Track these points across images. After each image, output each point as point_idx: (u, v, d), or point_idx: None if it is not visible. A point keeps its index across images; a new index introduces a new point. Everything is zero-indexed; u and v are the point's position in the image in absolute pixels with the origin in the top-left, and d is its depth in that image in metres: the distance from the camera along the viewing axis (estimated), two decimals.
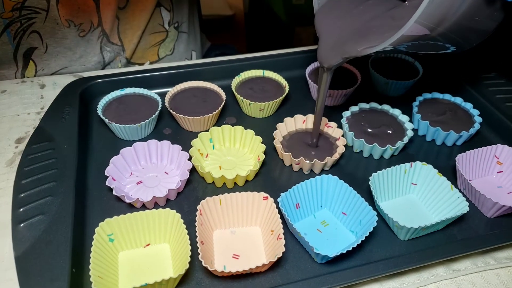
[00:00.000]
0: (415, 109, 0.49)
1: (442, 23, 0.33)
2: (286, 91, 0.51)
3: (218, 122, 0.50)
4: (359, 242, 0.34)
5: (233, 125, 0.46)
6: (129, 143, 0.45)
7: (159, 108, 0.47)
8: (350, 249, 0.34)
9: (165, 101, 0.49)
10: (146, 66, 0.60)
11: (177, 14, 0.63)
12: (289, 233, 0.38)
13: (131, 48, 0.61)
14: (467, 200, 0.40)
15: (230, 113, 0.51)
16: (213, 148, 0.46)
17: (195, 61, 0.60)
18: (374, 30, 0.37)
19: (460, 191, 0.41)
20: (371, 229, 0.35)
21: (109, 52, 0.59)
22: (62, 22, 0.54)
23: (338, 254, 0.34)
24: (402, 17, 0.37)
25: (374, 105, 0.49)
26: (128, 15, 0.58)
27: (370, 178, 0.39)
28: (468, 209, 0.37)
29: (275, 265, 0.35)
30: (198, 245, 0.33)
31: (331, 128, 0.46)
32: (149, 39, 0.62)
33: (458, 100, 0.50)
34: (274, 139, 0.45)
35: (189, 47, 0.69)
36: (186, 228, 0.35)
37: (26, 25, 0.53)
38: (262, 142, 0.44)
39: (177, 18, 0.64)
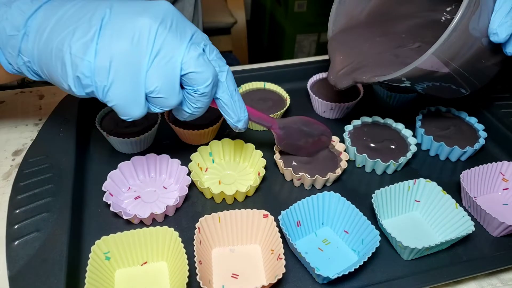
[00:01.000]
0: (418, 123, 0.48)
1: (449, 63, 0.36)
2: (288, 104, 0.50)
3: (218, 135, 0.49)
4: (361, 263, 0.33)
5: (233, 138, 0.45)
6: (128, 156, 0.44)
7: (159, 121, 0.47)
8: (352, 270, 0.33)
9: (165, 113, 0.48)
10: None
11: None
12: (290, 252, 0.37)
13: None
14: (472, 218, 0.39)
15: (230, 126, 0.51)
16: (213, 162, 0.45)
17: None
18: (380, 63, 0.42)
19: (464, 208, 0.40)
20: (374, 250, 0.34)
21: None
22: None
23: (340, 275, 0.33)
24: (406, 56, 0.43)
25: (377, 119, 0.49)
26: None
27: (373, 195, 0.38)
28: (473, 229, 0.36)
29: (275, 286, 0.34)
30: (196, 265, 0.32)
31: (333, 142, 0.45)
32: None
33: (463, 114, 0.50)
34: (275, 154, 0.44)
35: None
36: (185, 246, 0.34)
37: None
38: (262, 157, 0.43)
39: None
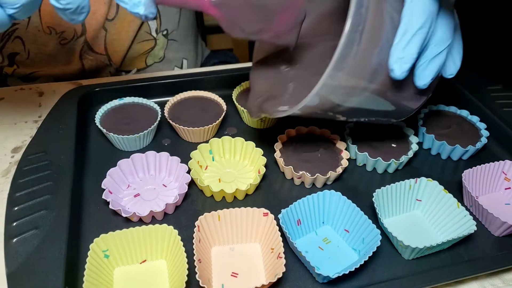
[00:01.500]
0: (420, 122, 0.48)
1: (347, 99, 0.33)
2: None
3: (218, 133, 0.49)
4: (362, 262, 0.33)
5: (233, 136, 0.45)
6: (127, 154, 0.44)
7: (158, 118, 0.46)
8: (353, 269, 0.33)
9: (165, 111, 0.48)
10: (146, 75, 0.59)
11: (166, 21, 0.62)
12: (290, 250, 0.36)
13: (119, 58, 0.59)
14: (474, 218, 0.39)
15: (230, 124, 0.50)
16: (213, 160, 0.45)
17: (195, 70, 0.59)
18: (289, 95, 0.39)
19: (466, 208, 0.40)
20: (375, 249, 0.34)
21: (91, 61, 0.58)
22: (43, 29, 0.52)
23: (340, 274, 0.32)
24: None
25: None
26: (117, 26, 0.56)
27: (374, 194, 0.38)
28: (475, 228, 0.35)
29: (275, 285, 0.34)
30: (195, 263, 0.32)
31: (334, 141, 0.45)
32: (137, 48, 0.61)
33: (464, 113, 0.49)
34: (275, 152, 0.43)
35: (179, 55, 0.67)
36: (184, 245, 0.34)
37: (10, 30, 0.52)
38: (262, 155, 0.43)
39: (166, 26, 0.62)
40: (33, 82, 0.58)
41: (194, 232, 0.35)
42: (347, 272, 0.32)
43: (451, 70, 0.37)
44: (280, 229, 0.35)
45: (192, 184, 0.41)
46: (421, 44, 0.31)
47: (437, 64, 0.33)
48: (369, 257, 0.33)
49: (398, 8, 0.32)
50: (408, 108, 0.38)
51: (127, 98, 0.49)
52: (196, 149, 0.43)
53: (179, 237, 0.34)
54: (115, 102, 0.49)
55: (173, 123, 0.46)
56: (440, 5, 0.32)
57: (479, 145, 0.45)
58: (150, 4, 0.30)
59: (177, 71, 0.64)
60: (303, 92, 0.32)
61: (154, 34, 0.61)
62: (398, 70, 0.31)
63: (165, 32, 0.62)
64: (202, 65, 0.76)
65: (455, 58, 0.37)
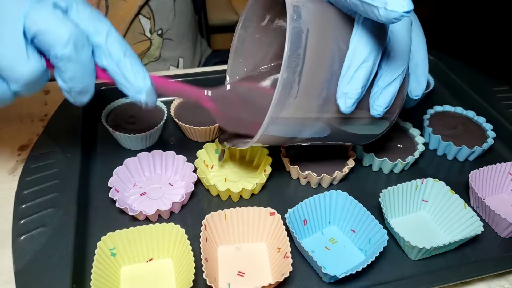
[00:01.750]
0: (426, 122, 0.48)
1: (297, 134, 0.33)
2: None
3: None
4: (369, 262, 0.33)
5: None
6: (133, 152, 0.44)
7: (165, 118, 0.46)
8: (360, 269, 0.33)
9: (171, 110, 0.48)
10: (152, 74, 0.59)
11: (160, 20, 0.61)
12: (296, 250, 0.36)
13: None
14: (480, 219, 0.39)
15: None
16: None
17: (201, 70, 0.59)
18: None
19: (473, 209, 0.40)
20: (382, 249, 0.34)
21: None
22: None
23: (347, 274, 0.32)
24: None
25: None
26: None
27: (381, 194, 0.38)
28: (482, 229, 0.35)
29: (282, 284, 0.34)
30: (202, 262, 0.32)
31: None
32: (133, 49, 0.61)
33: (471, 113, 0.49)
34: (281, 151, 0.43)
35: (176, 54, 0.67)
36: (190, 244, 0.34)
37: None
38: (268, 154, 0.43)
39: (161, 25, 0.62)
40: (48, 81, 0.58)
41: (200, 231, 0.35)
42: (354, 272, 0.32)
43: (416, 91, 0.36)
44: (287, 229, 0.35)
45: (198, 183, 0.42)
46: (366, 78, 0.30)
47: (390, 92, 0.32)
48: (375, 257, 0.33)
49: (347, 38, 0.30)
50: (371, 134, 0.38)
51: None
52: (202, 148, 0.43)
53: (186, 236, 0.34)
54: (122, 101, 0.49)
55: (179, 122, 0.46)
56: (392, 31, 0.31)
57: (485, 146, 0.45)
58: (152, 93, 0.30)
59: (183, 70, 0.64)
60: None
61: (148, 34, 0.60)
62: (343, 105, 0.30)
63: (160, 32, 0.62)
64: (203, 65, 0.76)
65: (419, 78, 0.36)
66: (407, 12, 0.25)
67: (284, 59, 0.28)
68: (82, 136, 0.44)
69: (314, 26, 0.29)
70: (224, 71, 0.54)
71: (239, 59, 0.41)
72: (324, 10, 0.31)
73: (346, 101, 0.30)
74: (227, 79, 0.41)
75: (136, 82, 0.29)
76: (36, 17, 0.25)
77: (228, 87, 0.35)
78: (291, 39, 0.28)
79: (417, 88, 0.36)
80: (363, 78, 0.30)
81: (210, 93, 0.34)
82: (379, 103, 0.32)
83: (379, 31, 0.30)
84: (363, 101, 0.32)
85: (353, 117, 0.34)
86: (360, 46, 0.29)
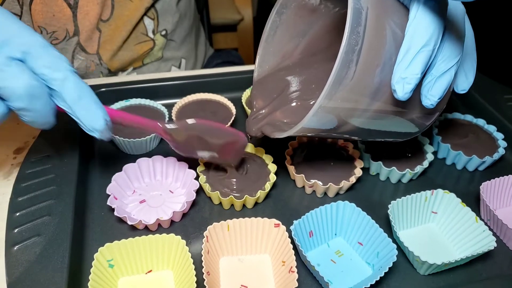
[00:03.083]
0: (435, 130, 0.46)
1: (347, 122, 0.32)
2: None
3: None
4: (378, 278, 0.32)
5: None
6: (133, 157, 0.43)
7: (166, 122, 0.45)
8: (368, 285, 0.31)
9: (172, 113, 0.47)
10: (153, 76, 0.57)
11: (164, 22, 0.60)
12: (301, 263, 0.35)
13: (112, 58, 0.57)
14: (493, 233, 0.37)
15: (239, 128, 0.49)
16: None
17: (204, 72, 0.57)
18: (290, 115, 0.37)
19: (484, 222, 0.39)
20: (391, 264, 0.32)
21: (81, 61, 0.56)
22: (34, 28, 0.51)
23: None
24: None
25: None
26: (112, 27, 0.55)
27: (389, 206, 0.36)
28: (495, 245, 0.34)
29: None
30: (204, 276, 0.31)
31: (347, 148, 0.44)
32: (136, 50, 0.59)
33: (481, 121, 0.48)
34: (286, 159, 0.42)
35: (178, 55, 0.65)
36: (191, 254, 0.32)
37: None
38: (273, 162, 0.42)
39: (164, 26, 0.60)
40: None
41: (201, 241, 0.33)
42: None
43: (463, 85, 0.35)
44: (292, 241, 0.34)
45: (199, 190, 0.40)
46: (426, 63, 0.29)
47: (445, 82, 0.31)
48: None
49: (402, 23, 0.30)
50: (416, 128, 0.36)
51: (134, 99, 0.48)
52: None
53: (187, 248, 0.33)
54: (121, 104, 0.47)
55: None
56: (448, 18, 0.30)
57: (496, 156, 0.44)
58: (105, 131, 0.33)
59: (185, 72, 0.63)
60: (303, 114, 0.30)
61: (151, 35, 0.59)
62: (401, 91, 0.29)
63: (164, 33, 0.61)
64: (205, 66, 0.75)
65: (467, 72, 0.34)
66: None
67: (345, 36, 0.27)
68: (80, 140, 0.43)
69: (373, 6, 0.28)
70: (225, 74, 0.53)
71: (269, 47, 0.40)
72: None
73: (404, 87, 0.29)
74: (256, 67, 0.40)
75: (89, 124, 0.32)
76: None
77: (188, 121, 0.36)
78: (352, 16, 0.27)
79: (465, 82, 0.34)
80: (423, 63, 0.28)
81: (167, 126, 0.36)
82: (433, 93, 0.30)
83: (439, 15, 0.28)
84: (413, 92, 0.30)
85: (401, 108, 0.32)
86: (420, 29, 0.28)
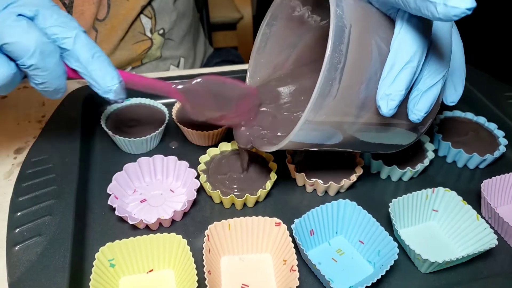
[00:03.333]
0: (435, 128, 0.46)
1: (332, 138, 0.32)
2: None
3: (228, 136, 0.48)
4: (379, 276, 0.32)
5: None
6: (134, 156, 0.43)
7: (166, 121, 0.45)
8: (369, 284, 0.31)
9: (172, 113, 0.47)
10: (154, 75, 0.57)
11: (161, 20, 0.60)
12: (302, 262, 0.35)
13: (109, 57, 0.57)
14: (494, 231, 0.37)
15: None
16: None
17: (205, 71, 0.57)
18: (281, 127, 0.37)
19: (485, 219, 0.39)
20: (392, 263, 0.32)
21: None
22: None
23: None
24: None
25: None
26: (108, 27, 0.54)
27: (390, 204, 0.36)
28: (496, 243, 0.34)
29: None
30: (205, 275, 0.31)
31: None
32: (134, 49, 0.59)
33: (481, 119, 0.48)
34: (286, 157, 0.42)
35: (177, 54, 0.65)
36: (193, 253, 0.32)
37: None
38: (273, 160, 0.42)
39: (162, 25, 0.60)
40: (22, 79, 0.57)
41: (202, 240, 0.33)
42: (363, 287, 0.31)
43: (452, 97, 0.35)
44: (293, 240, 0.34)
45: (200, 189, 0.40)
46: (410, 79, 0.29)
47: (431, 96, 0.30)
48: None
49: (387, 38, 0.29)
50: (405, 141, 0.36)
51: (134, 98, 0.48)
52: (205, 153, 0.42)
53: (188, 247, 0.33)
54: (122, 103, 0.47)
55: (181, 126, 0.45)
56: (434, 32, 0.29)
57: (497, 153, 0.44)
58: (120, 92, 0.32)
59: (185, 72, 0.63)
60: (292, 127, 0.30)
61: (148, 34, 0.59)
62: (385, 107, 0.29)
63: (161, 32, 0.60)
64: (204, 64, 0.74)
65: (456, 85, 0.34)
66: (469, 9, 0.23)
67: (327, 55, 0.27)
68: (81, 139, 0.43)
69: (356, 23, 0.28)
70: (225, 73, 0.53)
71: (261, 59, 0.40)
72: (365, 7, 0.30)
73: (388, 103, 0.29)
74: (248, 79, 0.40)
75: (104, 83, 0.31)
76: (0, 29, 0.27)
77: (198, 80, 0.35)
78: (334, 34, 0.27)
79: (453, 94, 0.34)
80: (407, 80, 0.28)
81: (179, 86, 0.34)
82: (420, 108, 0.30)
83: (424, 31, 0.28)
84: (400, 106, 0.30)
85: (388, 122, 0.32)
86: (404, 46, 0.28)
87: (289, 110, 0.38)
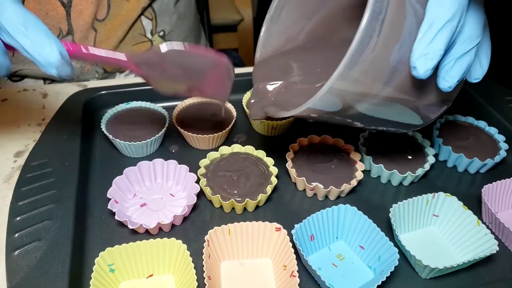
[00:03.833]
0: (436, 133, 0.46)
1: (359, 102, 0.30)
2: None
3: (228, 140, 0.48)
4: (379, 282, 0.32)
5: (243, 143, 0.43)
6: (134, 160, 0.43)
7: (166, 125, 0.45)
8: None
9: (173, 116, 0.47)
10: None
11: (162, 22, 0.60)
12: (302, 267, 0.35)
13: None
14: (494, 236, 0.37)
15: (240, 130, 0.49)
16: None
17: None
18: (296, 96, 0.35)
19: (485, 225, 0.39)
20: (393, 269, 0.32)
21: (76, 62, 0.55)
22: None
23: None
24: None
25: None
26: (108, 27, 0.54)
27: (391, 209, 0.36)
28: (497, 248, 0.34)
29: None
30: (205, 281, 0.31)
31: (348, 151, 0.44)
32: (133, 50, 0.59)
33: (482, 124, 0.48)
34: (287, 162, 0.42)
35: None
36: (192, 258, 0.32)
37: None
38: (273, 165, 0.41)
39: (163, 27, 0.60)
40: (20, 80, 0.56)
41: (202, 245, 0.33)
42: None
43: (477, 73, 0.33)
44: (293, 245, 0.34)
45: (200, 193, 0.40)
46: (449, 39, 0.27)
47: (464, 64, 0.29)
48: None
49: (422, 0, 0.28)
50: (421, 120, 0.35)
51: (134, 102, 0.48)
52: (205, 157, 0.42)
53: (188, 252, 0.33)
54: (122, 106, 0.47)
55: (182, 130, 0.45)
56: None
57: (497, 158, 0.43)
58: (64, 65, 0.29)
59: None
60: (308, 97, 0.29)
61: (149, 35, 0.59)
62: (422, 67, 0.27)
63: (162, 33, 0.60)
64: None
65: (482, 60, 0.33)
66: None
67: (370, 2, 0.25)
68: (81, 143, 0.43)
69: None
70: (236, 75, 0.53)
71: (274, 28, 0.38)
72: None
73: (426, 63, 0.27)
74: (259, 48, 0.38)
75: (43, 56, 0.28)
76: None
77: (157, 49, 0.31)
78: None
79: (479, 69, 0.33)
80: (446, 39, 0.27)
81: (134, 57, 0.31)
82: (453, 74, 0.29)
83: None
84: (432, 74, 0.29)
85: (418, 89, 0.30)
86: (445, 4, 0.27)
87: (304, 82, 0.37)
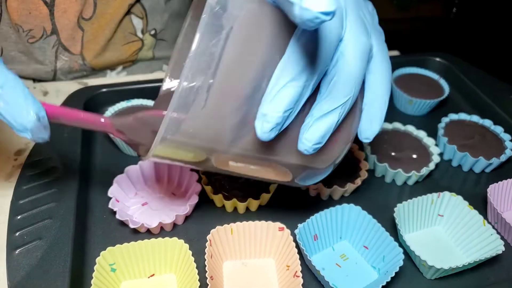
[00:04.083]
0: (440, 131, 0.46)
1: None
2: None
3: None
4: (384, 283, 0.31)
5: None
6: (135, 159, 0.42)
7: None
8: None
9: None
10: (155, 76, 0.57)
11: (153, 21, 0.59)
12: (306, 267, 0.35)
13: (97, 58, 0.56)
14: (500, 236, 0.37)
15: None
16: None
17: None
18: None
19: (491, 224, 0.38)
20: (397, 269, 0.32)
21: (65, 62, 0.55)
22: (13, 26, 0.50)
23: None
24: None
25: (397, 125, 0.46)
26: (95, 26, 0.53)
27: (395, 209, 0.36)
28: (503, 249, 0.34)
29: None
30: (207, 280, 0.31)
31: (352, 151, 0.43)
32: (124, 50, 0.58)
33: (487, 122, 0.47)
34: None
35: (170, 54, 0.64)
36: (194, 258, 0.32)
37: None
38: None
39: (154, 25, 0.59)
40: None
41: (204, 244, 0.33)
42: None
43: (366, 133, 0.29)
44: (296, 245, 0.33)
45: (202, 192, 0.40)
46: (292, 100, 0.24)
47: (324, 125, 0.26)
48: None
49: (283, 47, 0.24)
50: (299, 184, 0.31)
51: (135, 100, 0.47)
52: None
53: (190, 252, 0.32)
54: (123, 104, 0.47)
55: None
56: (341, 52, 0.25)
57: (503, 157, 0.43)
58: (40, 129, 0.27)
59: None
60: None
61: (139, 34, 0.58)
62: (259, 129, 0.24)
63: (153, 32, 0.59)
64: None
65: (373, 118, 0.29)
66: (325, 13, 0.19)
67: (189, 57, 0.22)
68: (82, 141, 0.42)
69: (242, 24, 0.24)
70: None
71: (182, 61, 0.35)
72: (265, 11, 0.25)
73: (263, 125, 0.24)
74: (164, 84, 0.36)
75: (17, 121, 0.26)
76: None
77: (137, 115, 0.30)
78: (202, 34, 0.22)
79: (368, 129, 0.29)
80: (287, 100, 0.24)
81: (116, 121, 0.29)
82: (309, 136, 0.26)
83: (320, 46, 0.24)
84: (292, 133, 0.26)
85: (272, 153, 0.27)
86: (291, 61, 0.24)
87: None
